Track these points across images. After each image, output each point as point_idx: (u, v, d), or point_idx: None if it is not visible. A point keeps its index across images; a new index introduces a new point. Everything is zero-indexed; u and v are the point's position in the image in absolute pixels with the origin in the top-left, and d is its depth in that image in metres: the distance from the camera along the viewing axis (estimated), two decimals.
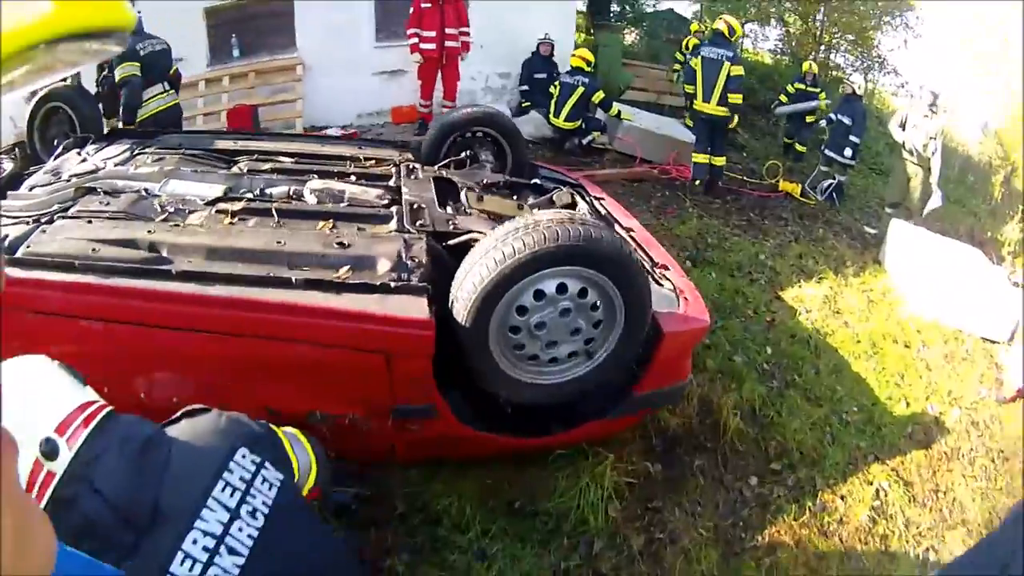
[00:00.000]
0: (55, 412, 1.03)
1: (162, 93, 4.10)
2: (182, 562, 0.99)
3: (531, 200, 2.88)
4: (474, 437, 2.22)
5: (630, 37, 10.99)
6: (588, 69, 6.22)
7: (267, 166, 2.90)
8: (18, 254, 1.92)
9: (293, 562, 1.14)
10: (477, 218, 2.54)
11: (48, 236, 2.00)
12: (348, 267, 2.05)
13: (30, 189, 2.56)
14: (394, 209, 2.49)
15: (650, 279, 2.38)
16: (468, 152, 3.29)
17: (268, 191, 2.59)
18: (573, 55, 6.38)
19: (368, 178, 2.87)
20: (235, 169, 2.85)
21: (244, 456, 1.15)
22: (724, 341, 3.56)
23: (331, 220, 2.35)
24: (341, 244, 2.15)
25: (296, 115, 6.06)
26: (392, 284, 1.95)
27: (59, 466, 0.99)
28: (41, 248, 1.95)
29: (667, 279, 2.55)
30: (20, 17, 0.36)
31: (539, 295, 1.90)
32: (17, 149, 3.50)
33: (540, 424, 2.39)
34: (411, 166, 3.02)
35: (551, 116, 6.25)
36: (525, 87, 6.85)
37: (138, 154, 2.90)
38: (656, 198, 5.69)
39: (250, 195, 2.54)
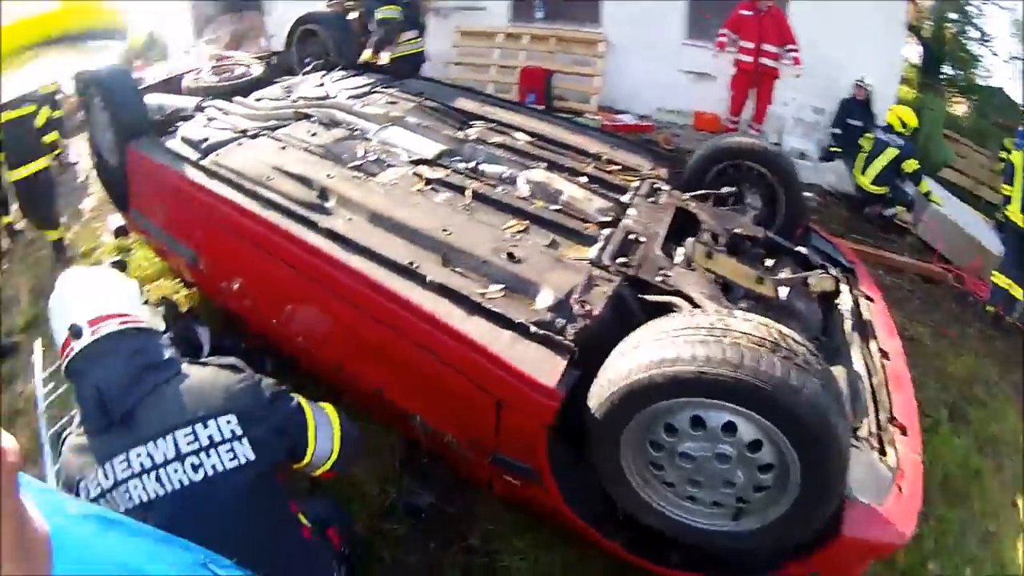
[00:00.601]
0: (97, 309, 1.32)
1: (415, 39, 4.28)
2: (120, 462, 1.23)
3: (782, 273, 2.16)
4: (574, 522, 1.84)
5: (959, 107, 8.91)
6: (905, 131, 5.06)
7: (497, 139, 2.68)
8: (205, 160, 2.04)
9: (206, 525, 1.18)
10: (698, 278, 1.94)
11: (239, 151, 2.10)
12: (503, 287, 1.79)
13: (257, 100, 2.75)
14: (606, 232, 2.08)
15: (867, 444, 1.73)
16: (733, 189, 2.61)
17: (482, 167, 2.43)
18: (891, 110, 5.22)
19: (602, 184, 2.45)
20: (462, 134, 2.72)
21: (228, 422, 1.27)
22: (928, 536, 2.60)
23: (526, 221, 2.08)
24: (511, 256, 1.89)
25: (593, 91, 5.96)
26: (532, 328, 1.63)
27: (79, 345, 1.28)
28: (225, 160, 2.05)
29: (894, 447, 1.84)
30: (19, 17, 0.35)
31: (698, 422, 1.41)
32: (275, 57, 3.83)
33: (657, 544, 1.86)
34: (656, 186, 2.50)
35: (857, 172, 5.26)
36: (837, 130, 5.78)
37: (374, 92, 2.96)
38: (941, 310, 4.47)
39: (461, 166, 2.42)
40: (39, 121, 5.05)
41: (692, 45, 5.96)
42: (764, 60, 5.30)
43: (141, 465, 1.24)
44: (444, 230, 1.92)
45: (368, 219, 1.94)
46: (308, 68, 3.37)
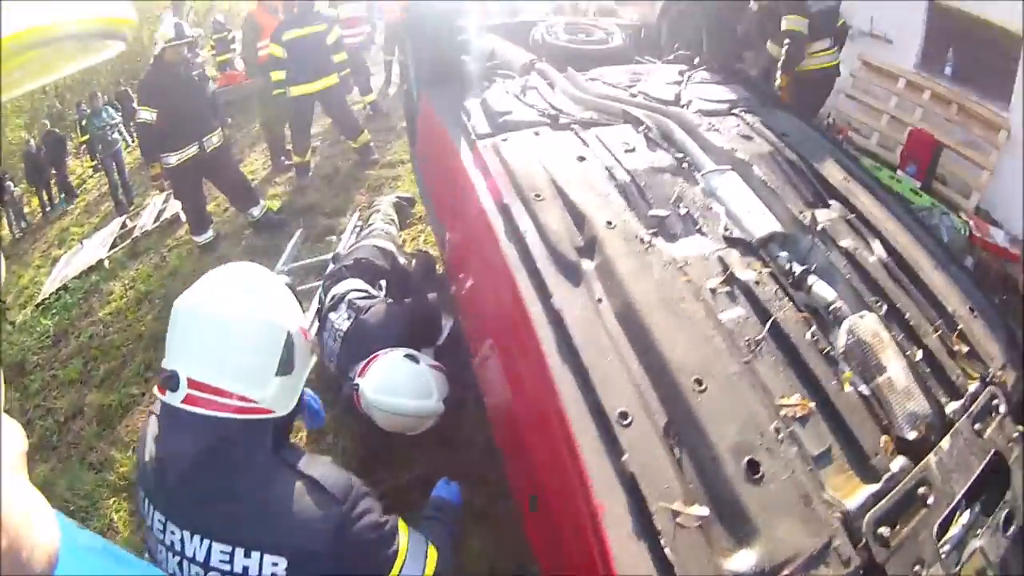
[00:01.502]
0: (222, 368, 1.17)
1: (828, 50, 3.35)
2: (159, 518, 1.18)
3: None
4: None
5: None
6: None
7: (848, 243, 1.82)
8: (486, 141, 1.89)
9: None
10: None
11: (531, 143, 1.87)
12: (705, 515, 1.16)
13: (591, 79, 2.30)
14: (895, 467, 1.35)
15: None
16: None
17: (810, 282, 1.65)
18: None
19: (935, 372, 1.58)
20: (809, 215, 1.87)
21: (275, 564, 1.11)
22: None
23: (813, 404, 1.39)
24: (752, 467, 1.23)
25: (978, 186, 4.36)
26: None
27: (166, 399, 1.18)
28: (507, 150, 1.92)
29: None
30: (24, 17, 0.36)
31: None
32: (643, 31, 3.27)
33: None
34: (994, 402, 1.58)
35: None
36: None
37: (732, 114, 2.27)
38: None
39: (784, 264, 1.70)
40: (330, 39, 5.42)
41: None
42: None
43: (171, 541, 1.15)
44: (697, 381, 1.30)
45: (617, 312, 1.41)
46: (671, 57, 2.80)
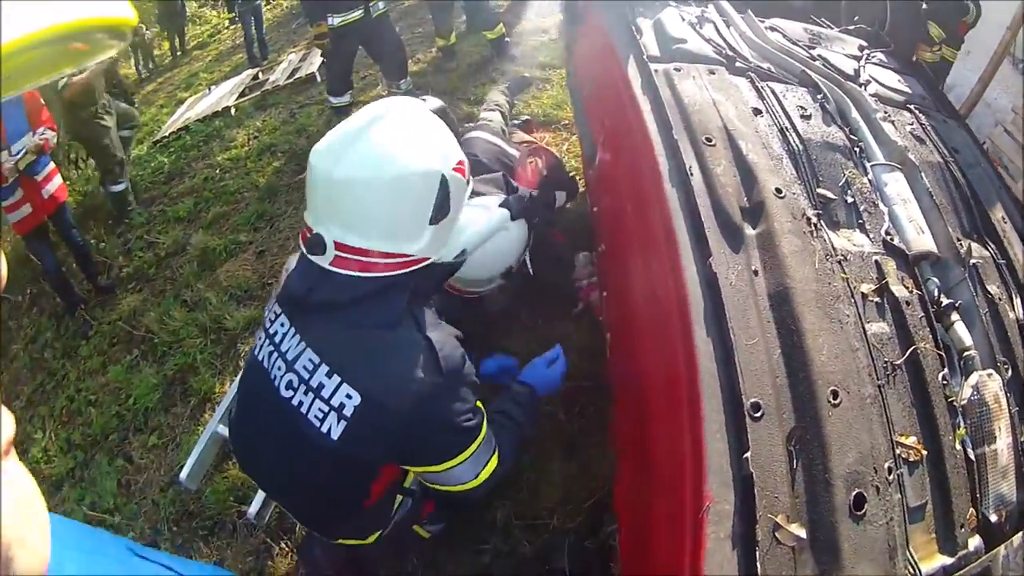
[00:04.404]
0: (365, 225, 1.10)
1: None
2: (281, 323, 1.21)
3: None
4: None
5: None
6: None
7: (994, 288, 1.61)
8: (659, 65, 1.72)
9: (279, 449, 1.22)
10: None
11: (704, 80, 1.72)
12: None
13: (771, 28, 2.07)
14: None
15: None
16: None
17: (953, 318, 1.49)
18: None
19: None
20: (964, 246, 1.63)
21: (349, 397, 1.10)
22: None
23: (925, 452, 1.25)
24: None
25: None
26: None
27: (312, 256, 1.14)
28: (680, 81, 1.69)
29: None
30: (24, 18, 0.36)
31: None
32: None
33: None
34: None
35: None
36: None
37: (909, 108, 2.01)
38: None
39: (934, 292, 1.51)
40: None
41: None
42: None
43: (275, 330, 1.19)
44: (834, 393, 1.14)
45: (772, 292, 1.23)
46: (852, 28, 2.45)
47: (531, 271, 2.15)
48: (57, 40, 0.37)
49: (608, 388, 1.61)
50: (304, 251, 1.14)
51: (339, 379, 1.08)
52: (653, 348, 1.33)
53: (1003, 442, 1.40)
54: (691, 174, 1.36)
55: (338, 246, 1.09)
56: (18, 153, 3.50)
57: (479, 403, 1.25)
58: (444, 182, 1.13)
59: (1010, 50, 4.27)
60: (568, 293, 2.52)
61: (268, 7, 10.39)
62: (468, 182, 1.24)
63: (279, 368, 1.15)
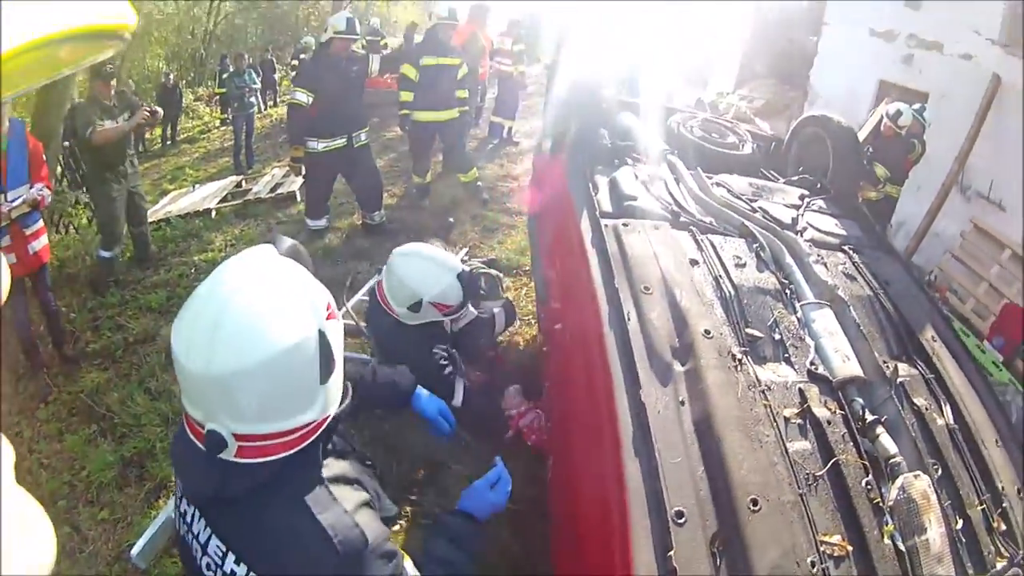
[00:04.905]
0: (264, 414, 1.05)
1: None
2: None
3: None
4: None
5: None
6: None
7: (921, 401, 1.86)
8: (608, 221, 2.11)
9: None
10: None
11: (649, 235, 2.05)
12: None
13: (716, 184, 2.53)
14: None
15: None
16: None
17: (878, 433, 1.71)
18: None
19: (969, 547, 1.60)
20: (891, 368, 1.92)
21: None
22: None
23: (850, 548, 1.45)
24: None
25: None
26: None
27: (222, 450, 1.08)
28: (627, 236, 2.02)
29: None
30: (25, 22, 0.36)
31: None
32: (774, 145, 3.33)
33: None
34: None
35: None
36: None
37: (843, 250, 2.34)
38: None
39: (858, 410, 1.77)
40: (460, 73, 5.58)
41: None
42: None
43: (184, 509, 1.20)
44: (753, 501, 1.38)
45: (696, 418, 1.52)
46: (795, 179, 2.87)
47: (459, 402, 2.44)
48: (59, 43, 0.38)
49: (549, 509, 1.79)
50: (203, 449, 1.05)
51: (246, 568, 1.08)
52: (588, 469, 1.61)
53: (935, 532, 1.57)
54: (628, 319, 1.71)
55: (238, 437, 1.03)
56: (14, 201, 3.46)
57: (406, 556, 1.26)
58: (322, 336, 1.06)
59: (957, 179, 4.69)
60: (499, 421, 2.75)
61: (259, 116, 10.80)
62: (339, 319, 1.17)
63: (196, 549, 1.14)
